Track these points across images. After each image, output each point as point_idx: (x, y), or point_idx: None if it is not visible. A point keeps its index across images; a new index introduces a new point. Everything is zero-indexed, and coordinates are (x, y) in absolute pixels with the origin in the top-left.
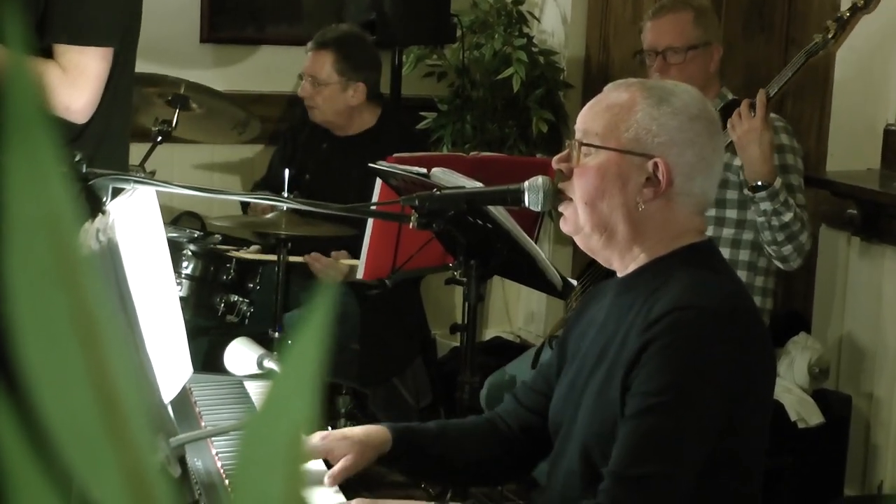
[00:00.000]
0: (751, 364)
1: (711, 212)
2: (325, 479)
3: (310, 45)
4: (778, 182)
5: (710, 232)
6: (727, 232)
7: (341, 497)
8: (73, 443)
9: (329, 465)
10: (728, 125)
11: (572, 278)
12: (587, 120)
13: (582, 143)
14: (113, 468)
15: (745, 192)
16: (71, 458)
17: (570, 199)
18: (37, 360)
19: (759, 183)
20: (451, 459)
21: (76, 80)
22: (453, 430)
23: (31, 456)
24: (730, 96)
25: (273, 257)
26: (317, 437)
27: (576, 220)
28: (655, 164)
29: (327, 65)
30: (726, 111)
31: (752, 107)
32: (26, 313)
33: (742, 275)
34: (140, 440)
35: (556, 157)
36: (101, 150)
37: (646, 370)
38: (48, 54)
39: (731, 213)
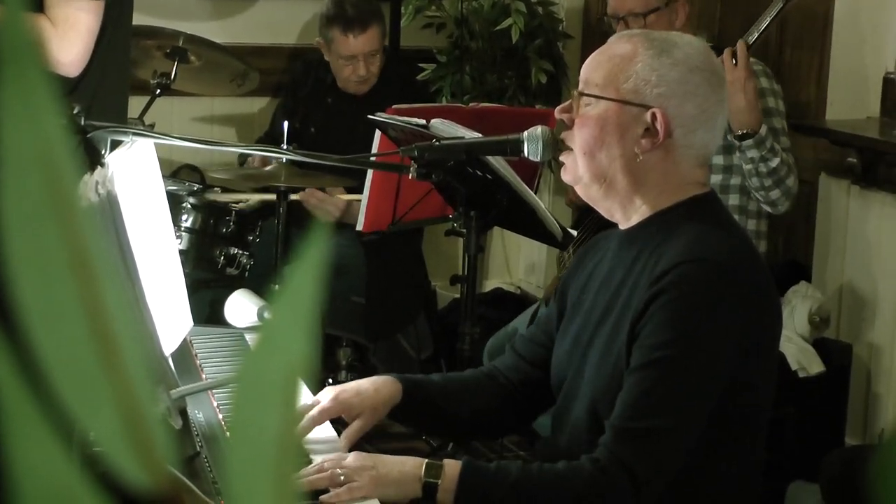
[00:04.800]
0: (757, 318)
1: None
2: (342, 440)
3: (351, 28)
4: (763, 129)
5: None
6: (714, 178)
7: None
8: (69, 382)
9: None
10: None
11: (572, 229)
12: (589, 70)
13: (582, 94)
14: (110, 407)
15: (730, 138)
16: (67, 398)
17: (571, 149)
18: (31, 296)
19: (745, 131)
20: (453, 412)
21: (66, 34)
22: (454, 383)
23: (28, 396)
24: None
25: (272, 196)
26: (329, 395)
27: (576, 169)
28: (653, 115)
29: (379, 36)
30: None
31: (735, 56)
32: (21, 250)
33: None
34: (138, 382)
35: (558, 108)
36: (97, 103)
37: (652, 323)
38: (39, 9)
39: (718, 160)
